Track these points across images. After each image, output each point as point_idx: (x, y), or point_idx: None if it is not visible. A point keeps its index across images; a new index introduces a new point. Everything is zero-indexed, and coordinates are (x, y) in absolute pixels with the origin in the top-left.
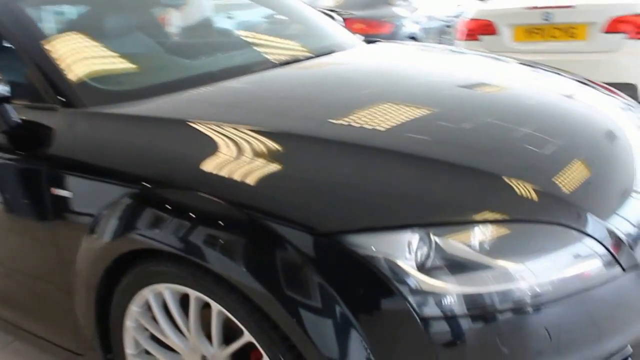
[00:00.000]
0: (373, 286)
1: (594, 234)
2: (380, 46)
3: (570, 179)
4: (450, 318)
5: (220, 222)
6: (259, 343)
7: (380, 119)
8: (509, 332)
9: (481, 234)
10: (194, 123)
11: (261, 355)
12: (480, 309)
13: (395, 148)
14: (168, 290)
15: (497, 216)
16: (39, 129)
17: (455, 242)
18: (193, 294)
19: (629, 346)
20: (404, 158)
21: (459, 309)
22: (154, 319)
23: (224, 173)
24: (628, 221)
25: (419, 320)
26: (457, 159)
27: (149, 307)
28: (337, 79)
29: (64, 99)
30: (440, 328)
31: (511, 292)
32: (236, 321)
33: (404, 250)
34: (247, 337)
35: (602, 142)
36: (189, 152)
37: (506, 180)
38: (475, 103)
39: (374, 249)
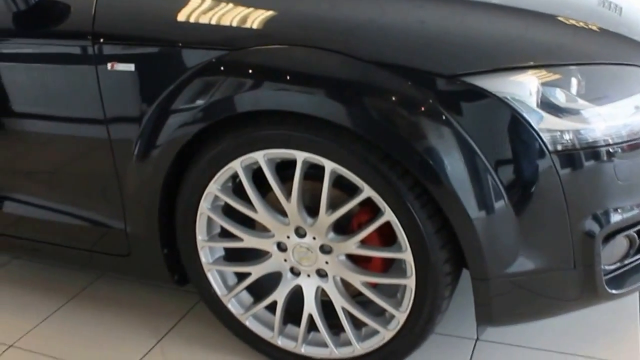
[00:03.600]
0: (504, 125)
1: None
2: None
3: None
4: (573, 152)
5: (340, 74)
6: (382, 196)
7: None
8: (615, 165)
9: (575, 77)
10: None
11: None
12: (590, 145)
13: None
14: (266, 158)
15: (587, 59)
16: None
17: (555, 85)
18: (301, 156)
19: None
20: (494, 8)
21: (578, 143)
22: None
23: (335, 25)
24: None
25: (549, 156)
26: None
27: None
28: None
29: None
30: (566, 162)
31: (611, 130)
32: (355, 177)
33: (528, 91)
34: (365, 193)
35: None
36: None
37: (580, 23)
38: None
39: (501, 89)
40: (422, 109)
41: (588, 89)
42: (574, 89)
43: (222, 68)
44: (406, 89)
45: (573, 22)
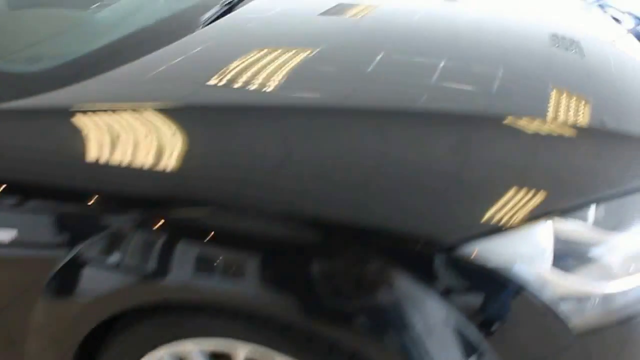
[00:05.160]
0: (515, 303)
1: None
2: None
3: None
4: (603, 323)
5: (283, 248)
6: None
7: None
8: None
9: (597, 216)
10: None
11: None
12: (625, 311)
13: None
14: (197, 349)
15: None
16: None
17: (574, 234)
18: (243, 348)
19: None
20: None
21: (609, 310)
22: None
23: (281, 176)
24: None
25: (571, 332)
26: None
27: None
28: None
29: None
30: (595, 337)
31: None
32: None
33: (542, 251)
34: None
35: (572, 56)
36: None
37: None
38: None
39: (508, 256)
40: (403, 295)
41: (613, 228)
42: (596, 234)
43: (128, 238)
44: (375, 264)
45: (562, 129)
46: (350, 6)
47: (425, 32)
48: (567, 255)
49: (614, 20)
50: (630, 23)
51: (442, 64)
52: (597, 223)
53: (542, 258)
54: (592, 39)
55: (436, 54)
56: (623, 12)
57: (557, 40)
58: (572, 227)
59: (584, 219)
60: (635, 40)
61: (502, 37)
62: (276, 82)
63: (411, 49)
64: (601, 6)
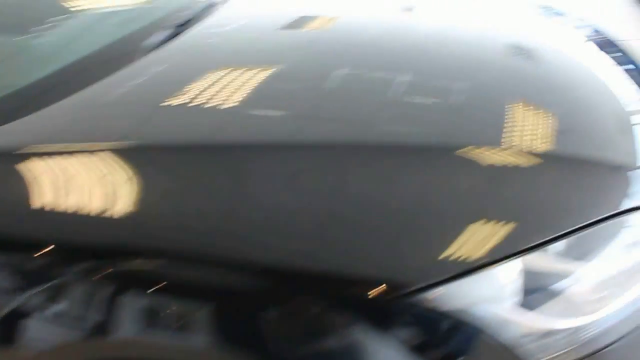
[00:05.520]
0: (476, 346)
1: None
2: None
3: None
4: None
5: (246, 301)
6: None
7: None
8: None
9: (567, 250)
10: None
11: None
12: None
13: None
14: None
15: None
16: None
17: (542, 270)
18: None
19: None
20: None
21: (578, 348)
22: None
23: (228, 227)
24: None
25: None
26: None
27: None
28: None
29: None
30: None
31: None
32: None
33: (505, 290)
34: None
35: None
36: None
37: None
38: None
39: (469, 298)
40: (354, 342)
41: (579, 258)
42: (562, 266)
43: (73, 291)
44: (331, 314)
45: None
46: (309, 20)
47: (384, 48)
48: (534, 290)
49: (573, 28)
50: (587, 30)
51: (398, 86)
52: (563, 254)
53: (505, 297)
54: (558, 54)
55: (394, 73)
56: (580, 19)
57: (519, 53)
58: (538, 261)
59: (550, 251)
60: (595, 48)
61: (462, 52)
62: (229, 115)
63: (368, 67)
64: (558, 14)
